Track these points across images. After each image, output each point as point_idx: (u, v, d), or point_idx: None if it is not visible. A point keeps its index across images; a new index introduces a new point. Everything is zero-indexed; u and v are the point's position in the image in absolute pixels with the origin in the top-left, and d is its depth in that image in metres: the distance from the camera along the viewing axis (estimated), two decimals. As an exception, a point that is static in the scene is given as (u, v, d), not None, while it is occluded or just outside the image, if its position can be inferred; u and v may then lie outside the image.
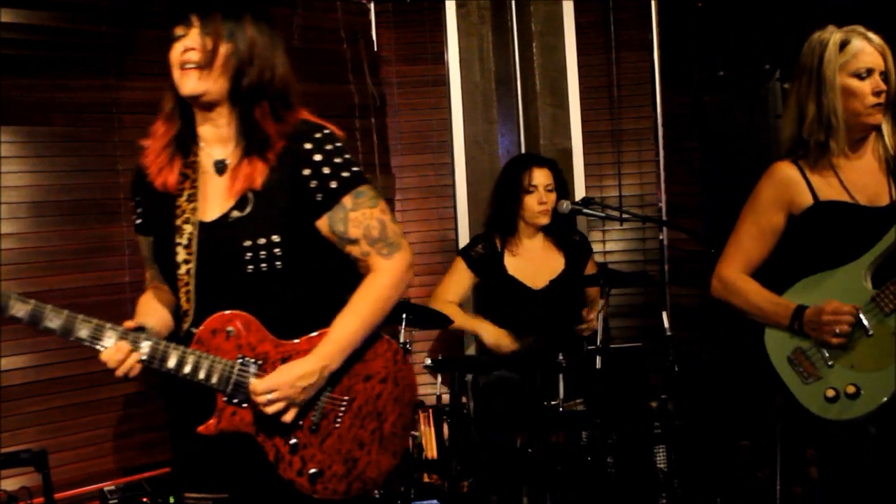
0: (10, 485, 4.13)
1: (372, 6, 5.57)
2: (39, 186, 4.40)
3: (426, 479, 4.43)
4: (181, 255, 2.55)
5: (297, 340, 2.56)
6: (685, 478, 4.18)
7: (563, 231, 4.72)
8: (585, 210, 4.44)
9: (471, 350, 5.39)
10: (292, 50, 5.16)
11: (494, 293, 4.66)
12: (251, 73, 2.54)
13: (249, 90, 2.54)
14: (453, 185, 5.65)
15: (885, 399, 2.97)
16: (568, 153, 5.65)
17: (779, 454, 3.48)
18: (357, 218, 2.57)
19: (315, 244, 2.59)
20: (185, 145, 2.62)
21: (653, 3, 5.56)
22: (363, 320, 2.56)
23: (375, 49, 5.58)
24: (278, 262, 2.51)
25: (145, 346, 2.47)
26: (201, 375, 2.47)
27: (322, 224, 2.57)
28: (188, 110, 2.61)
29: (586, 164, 5.69)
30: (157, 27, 4.71)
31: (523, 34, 5.64)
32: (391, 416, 2.67)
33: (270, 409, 2.46)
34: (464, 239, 5.52)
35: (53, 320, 2.42)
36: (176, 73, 2.53)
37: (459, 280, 4.69)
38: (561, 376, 4.13)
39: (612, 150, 5.68)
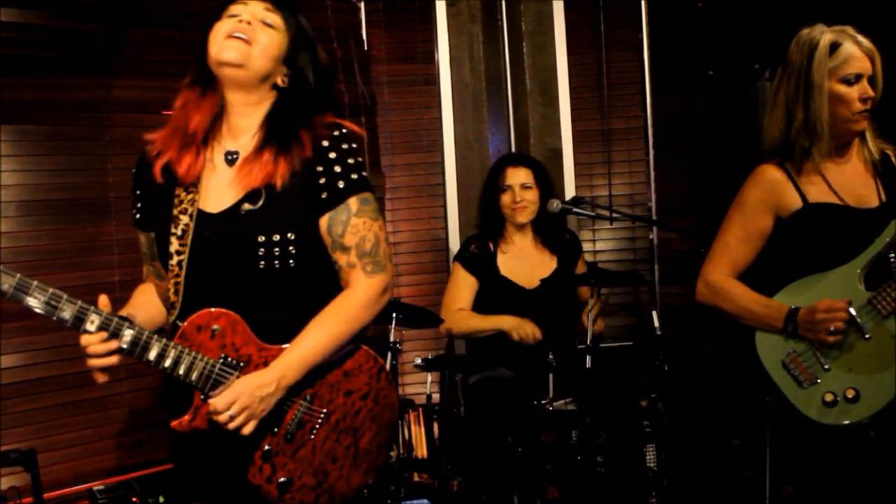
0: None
1: (362, 5, 5.57)
2: (29, 185, 4.39)
3: (416, 479, 4.43)
4: (174, 245, 2.51)
5: (281, 346, 2.50)
6: (675, 477, 4.18)
7: (554, 230, 4.72)
8: (575, 209, 4.44)
9: (461, 349, 5.40)
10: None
11: (488, 293, 4.66)
12: (297, 76, 2.55)
13: (289, 91, 2.55)
14: (443, 185, 5.65)
15: (886, 402, 2.96)
16: (558, 152, 5.65)
17: (768, 454, 3.48)
18: (357, 225, 2.53)
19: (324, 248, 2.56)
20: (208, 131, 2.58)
21: (642, 3, 5.58)
22: (329, 336, 2.49)
23: (366, 48, 5.58)
24: (292, 261, 2.48)
25: (128, 335, 2.39)
26: (181, 371, 2.42)
27: (323, 222, 2.53)
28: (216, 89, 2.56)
29: (576, 164, 5.70)
30: (147, 26, 4.71)
31: (513, 34, 5.65)
32: (368, 433, 2.62)
33: (232, 425, 2.41)
34: (454, 238, 5.52)
35: (37, 297, 2.32)
36: (219, 42, 2.46)
37: (463, 285, 4.68)
38: (551, 375, 4.13)
39: (602, 150, 5.69)
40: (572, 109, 5.69)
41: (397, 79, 5.64)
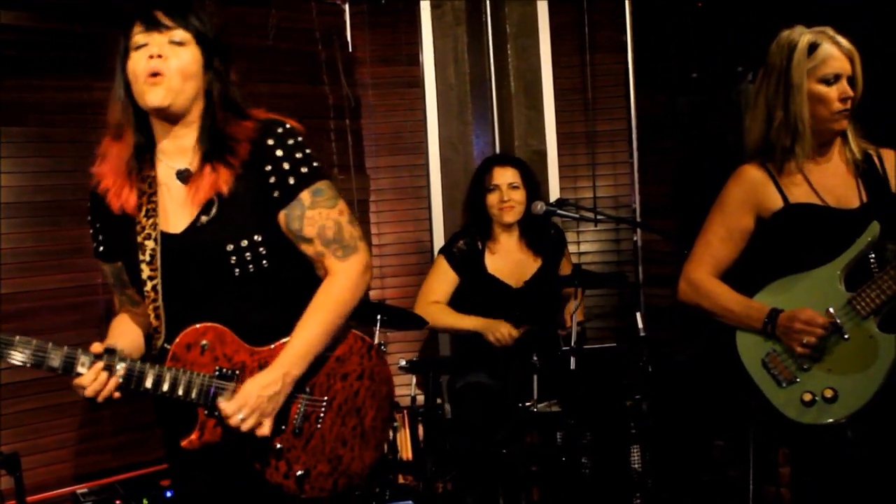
0: (-18, 488, 4.11)
1: (347, 7, 5.56)
2: (12, 187, 4.36)
3: (401, 481, 4.43)
4: (146, 272, 2.52)
5: (272, 346, 2.55)
6: (659, 478, 4.19)
7: (539, 230, 4.73)
8: (560, 211, 4.44)
9: (445, 351, 5.40)
10: (267, 50, 5.19)
11: (474, 292, 4.66)
12: (218, 79, 2.53)
13: (216, 96, 2.53)
14: (428, 187, 5.65)
15: (864, 403, 2.97)
16: (542, 154, 5.66)
17: (752, 454, 3.50)
18: (313, 217, 2.55)
19: (289, 242, 2.58)
20: (140, 160, 2.57)
21: (627, 5, 5.59)
22: (322, 325, 2.55)
23: (350, 50, 5.57)
24: (265, 261, 2.51)
25: (120, 368, 2.42)
26: (180, 392, 2.45)
27: (281, 220, 2.55)
28: (144, 122, 2.56)
29: (561, 166, 5.70)
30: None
31: (498, 36, 5.66)
32: (370, 410, 2.69)
33: (245, 427, 2.45)
34: (438, 240, 5.52)
35: (22, 352, 2.34)
36: (140, 86, 2.46)
37: (443, 279, 4.68)
38: (535, 377, 4.14)
39: (586, 152, 5.70)
40: (557, 111, 5.70)
41: (382, 80, 5.64)
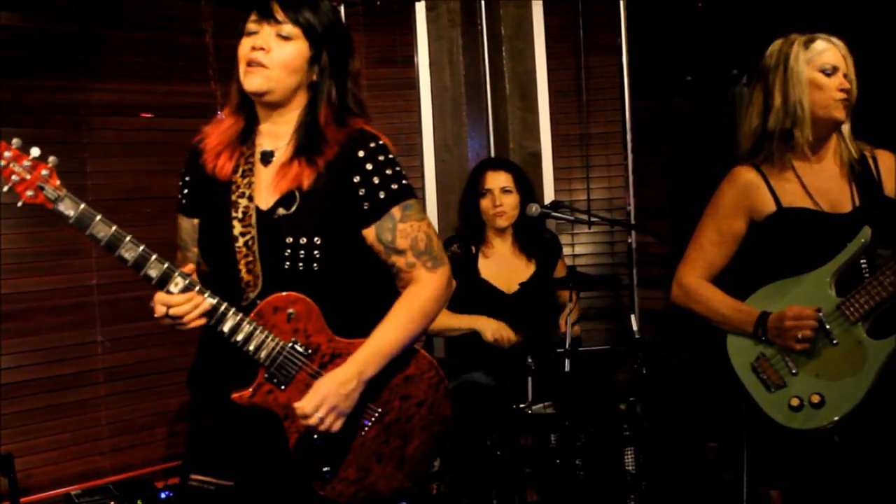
0: (-24, 489, 4.11)
1: (342, 9, 5.56)
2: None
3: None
4: (237, 228, 2.55)
5: (353, 341, 2.57)
6: (653, 479, 4.20)
7: (533, 234, 4.72)
8: (554, 213, 4.44)
9: (440, 352, 5.40)
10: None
11: (467, 296, 4.65)
12: (325, 76, 2.58)
13: (320, 93, 2.58)
14: (423, 189, 5.65)
15: (851, 408, 2.98)
16: (537, 156, 5.67)
17: (745, 456, 3.50)
18: (405, 229, 2.60)
19: (354, 252, 2.60)
20: (246, 135, 2.65)
21: (621, 8, 5.59)
22: (402, 330, 2.58)
23: (345, 52, 5.57)
24: (315, 264, 2.53)
25: (208, 302, 2.47)
26: (251, 347, 2.48)
27: (369, 233, 2.59)
28: (250, 104, 2.63)
29: (555, 168, 5.71)
30: (126, 29, 4.70)
31: (493, 38, 5.66)
32: (416, 440, 2.69)
33: (324, 427, 2.49)
34: (433, 242, 5.52)
35: (129, 251, 2.40)
36: (241, 68, 2.54)
37: None
38: (530, 379, 4.14)
39: (580, 154, 5.70)
40: (551, 113, 5.70)
41: (377, 82, 5.64)
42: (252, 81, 2.52)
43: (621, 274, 5.63)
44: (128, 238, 2.40)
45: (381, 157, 2.58)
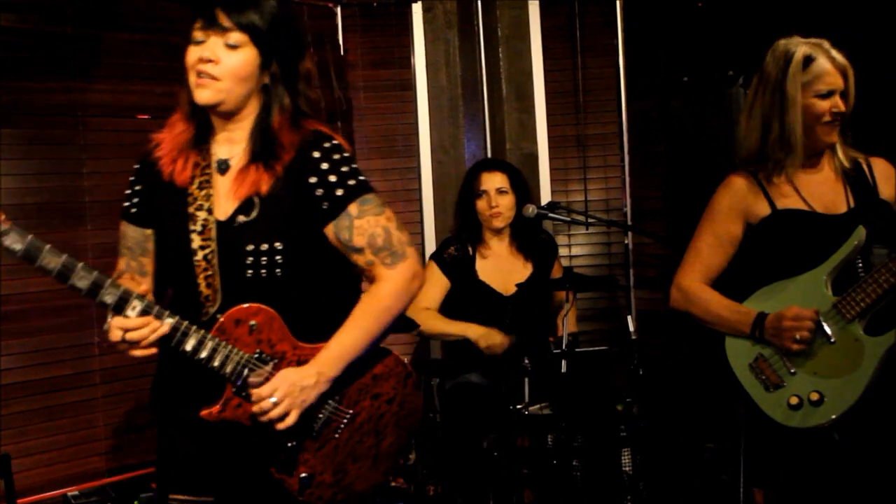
0: (-27, 490, 4.10)
1: (339, 10, 5.57)
2: (3, 189, 4.36)
3: (392, 483, 4.43)
4: (196, 241, 2.53)
5: (317, 345, 2.55)
6: (650, 480, 4.20)
7: (530, 235, 4.73)
8: (551, 214, 4.44)
9: (436, 353, 5.40)
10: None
11: (464, 298, 4.65)
12: (276, 81, 2.54)
13: (272, 98, 2.55)
14: (419, 190, 5.66)
15: (849, 406, 2.99)
16: (534, 157, 5.67)
17: (742, 457, 3.51)
18: (362, 226, 2.57)
19: (317, 253, 2.58)
20: (199, 141, 2.60)
21: (618, 9, 5.61)
22: (363, 331, 2.56)
23: (342, 53, 5.58)
24: (278, 270, 2.51)
25: (167, 323, 2.44)
26: (216, 363, 2.46)
27: (329, 232, 2.57)
28: (202, 110, 2.59)
29: (552, 169, 5.72)
30: (123, 30, 4.70)
31: (490, 39, 5.67)
32: (390, 437, 2.69)
33: (274, 414, 2.46)
34: (430, 243, 5.53)
35: (82, 280, 2.37)
36: (191, 79, 2.49)
37: (434, 285, 4.66)
38: (526, 380, 4.14)
39: (577, 155, 5.71)
40: (548, 115, 5.71)
41: (373, 84, 5.65)
42: (203, 94, 2.47)
43: (618, 275, 5.64)
44: (79, 266, 2.37)
45: (337, 156, 2.56)
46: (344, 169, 2.56)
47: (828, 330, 3.04)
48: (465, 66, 5.67)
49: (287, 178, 2.53)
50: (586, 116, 5.70)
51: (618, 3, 5.60)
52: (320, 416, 2.58)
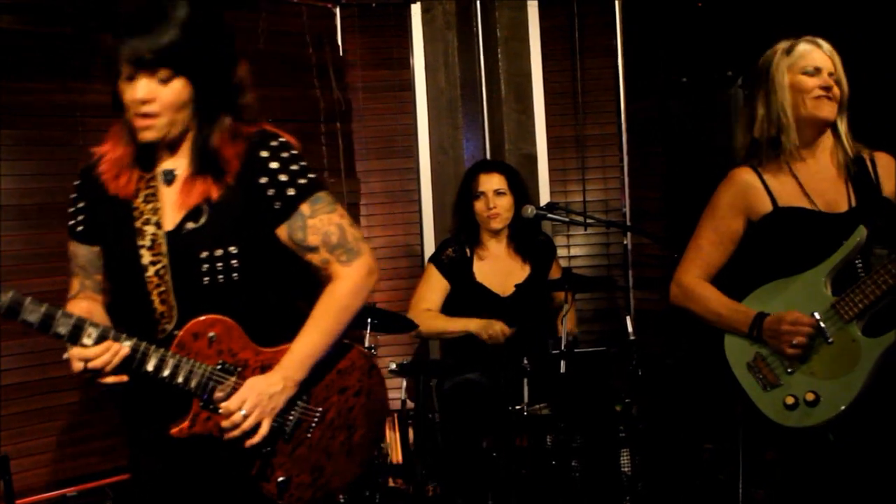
0: (-29, 491, 4.10)
1: (338, 11, 5.57)
2: (2, 190, 4.36)
3: (391, 484, 4.43)
4: (146, 257, 2.50)
5: (277, 349, 2.54)
6: (649, 481, 4.20)
7: (528, 236, 4.73)
8: (550, 215, 4.44)
9: (435, 354, 5.40)
10: (257, 54, 5.19)
11: (462, 299, 4.65)
12: (211, 99, 2.49)
13: (208, 117, 2.50)
14: (418, 190, 5.66)
15: (845, 406, 2.99)
16: (533, 158, 5.67)
17: (741, 457, 3.51)
18: (315, 225, 2.55)
19: (272, 253, 2.57)
20: (142, 155, 2.55)
21: (617, 10, 5.61)
22: (324, 331, 2.55)
23: (341, 54, 5.58)
24: (235, 274, 2.49)
25: (126, 346, 2.42)
26: (179, 379, 2.44)
27: (281, 232, 2.55)
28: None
29: (551, 170, 5.71)
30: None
31: (488, 40, 5.67)
32: (361, 428, 2.70)
33: (246, 425, 2.45)
34: (429, 244, 5.53)
35: (32, 314, 2.34)
36: (133, 120, 2.45)
37: (434, 287, 4.67)
38: (525, 380, 4.14)
39: (576, 156, 5.71)
40: (547, 115, 5.71)
41: (372, 84, 5.64)
42: (148, 135, 2.43)
43: (617, 275, 5.64)
44: (27, 300, 2.34)
45: (285, 154, 2.54)
46: (294, 167, 2.53)
47: (826, 330, 3.04)
48: (463, 67, 5.67)
49: (238, 183, 2.50)
50: (585, 117, 5.69)
51: (617, 4, 5.60)
52: (291, 417, 2.57)
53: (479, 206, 4.64)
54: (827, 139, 3.21)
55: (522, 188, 4.75)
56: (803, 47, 3.15)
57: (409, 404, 4.46)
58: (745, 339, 3.16)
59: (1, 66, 4.32)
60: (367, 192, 5.64)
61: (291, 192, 2.52)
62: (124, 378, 2.43)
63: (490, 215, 4.60)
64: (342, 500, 4.14)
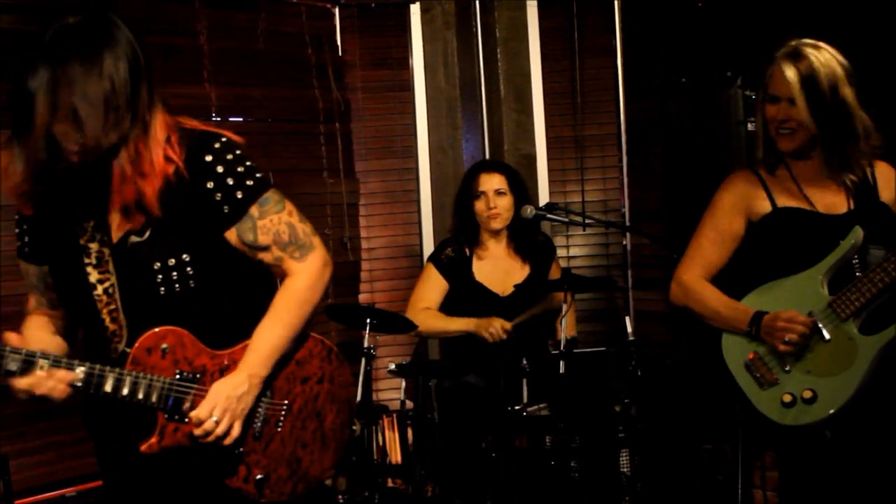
0: (-30, 492, 4.09)
1: (337, 11, 5.57)
2: (1, 190, 4.34)
3: (390, 484, 4.43)
4: (94, 275, 2.46)
5: (232, 349, 2.52)
6: (648, 481, 4.20)
7: (528, 235, 4.73)
8: (549, 215, 4.44)
9: (434, 354, 5.40)
10: (256, 54, 5.19)
11: (461, 299, 4.66)
12: (117, 122, 2.34)
13: (130, 142, 2.36)
14: (417, 191, 5.66)
15: (842, 404, 3.00)
16: (532, 158, 5.67)
17: (740, 458, 3.51)
18: (266, 225, 2.52)
19: (225, 256, 2.52)
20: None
21: (616, 10, 5.61)
22: (283, 326, 2.53)
23: (340, 54, 5.58)
24: (191, 282, 2.45)
25: (80, 371, 2.39)
26: (140, 396, 2.41)
27: (231, 235, 2.50)
28: None
29: (550, 170, 5.72)
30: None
31: (488, 40, 5.67)
32: (330, 414, 2.69)
33: (219, 431, 2.43)
34: (428, 244, 5.53)
35: None
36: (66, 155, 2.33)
37: (433, 286, 4.67)
38: (524, 380, 4.14)
39: (575, 156, 5.71)
40: (546, 115, 5.71)
41: (371, 84, 5.64)
42: (75, 162, 2.30)
43: (616, 276, 5.64)
44: None
45: (230, 156, 2.47)
46: (240, 169, 2.48)
47: (822, 328, 3.06)
48: (463, 67, 5.67)
49: (182, 184, 2.41)
50: (584, 117, 5.70)
51: (616, 4, 5.60)
52: (258, 415, 2.56)
53: (479, 205, 4.64)
54: (818, 152, 3.21)
55: (522, 188, 4.75)
56: (774, 68, 3.13)
57: (409, 404, 4.46)
58: (744, 337, 3.18)
59: (1, 66, 4.31)
60: (366, 193, 5.64)
61: (239, 194, 2.48)
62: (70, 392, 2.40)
63: (490, 215, 4.61)
64: (342, 501, 4.18)
